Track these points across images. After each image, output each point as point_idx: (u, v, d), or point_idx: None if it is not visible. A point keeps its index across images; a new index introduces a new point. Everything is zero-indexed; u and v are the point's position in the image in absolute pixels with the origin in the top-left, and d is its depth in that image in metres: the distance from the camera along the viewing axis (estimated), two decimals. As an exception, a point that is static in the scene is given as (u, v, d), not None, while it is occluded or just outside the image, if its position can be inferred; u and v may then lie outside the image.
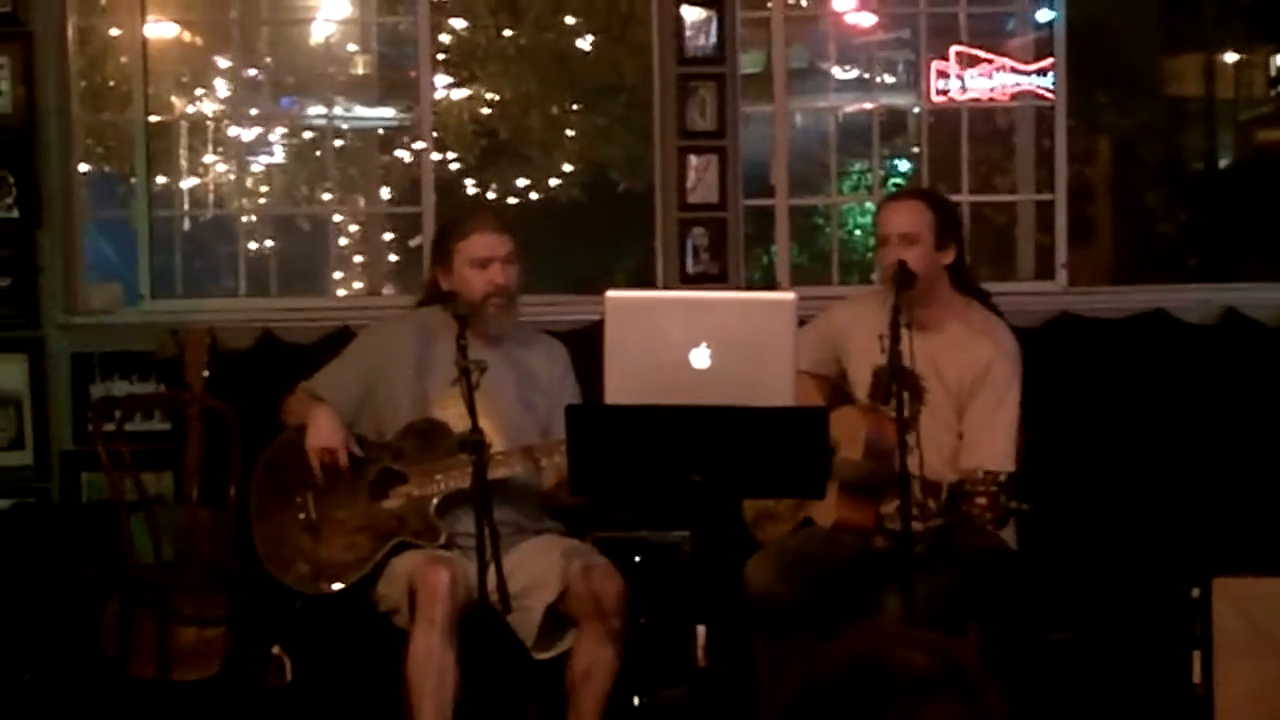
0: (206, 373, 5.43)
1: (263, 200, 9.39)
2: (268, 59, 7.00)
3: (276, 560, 4.68)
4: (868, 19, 7.66)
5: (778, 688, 4.47)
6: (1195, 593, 4.81)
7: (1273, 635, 4.62)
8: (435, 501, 4.62)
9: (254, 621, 5.07)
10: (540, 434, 4.72)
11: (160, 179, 6.69)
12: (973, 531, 4.36)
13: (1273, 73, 9.29)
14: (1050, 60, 6.48)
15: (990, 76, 6.62)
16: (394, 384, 4.76)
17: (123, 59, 6.88)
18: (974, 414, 4.66)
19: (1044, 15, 6.73)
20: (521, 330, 4.85)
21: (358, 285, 9.31)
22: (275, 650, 4.86)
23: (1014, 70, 6.62)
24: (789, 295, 4.18)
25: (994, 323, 4.80)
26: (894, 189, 8.47)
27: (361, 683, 4.72)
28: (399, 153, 9.64)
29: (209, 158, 8.99)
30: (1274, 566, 5.21)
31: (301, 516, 4.68)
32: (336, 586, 4.62)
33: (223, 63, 7.72)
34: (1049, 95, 6.50)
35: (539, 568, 4.53)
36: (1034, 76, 6.56)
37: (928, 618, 4.15)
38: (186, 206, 8.26)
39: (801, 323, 4.14)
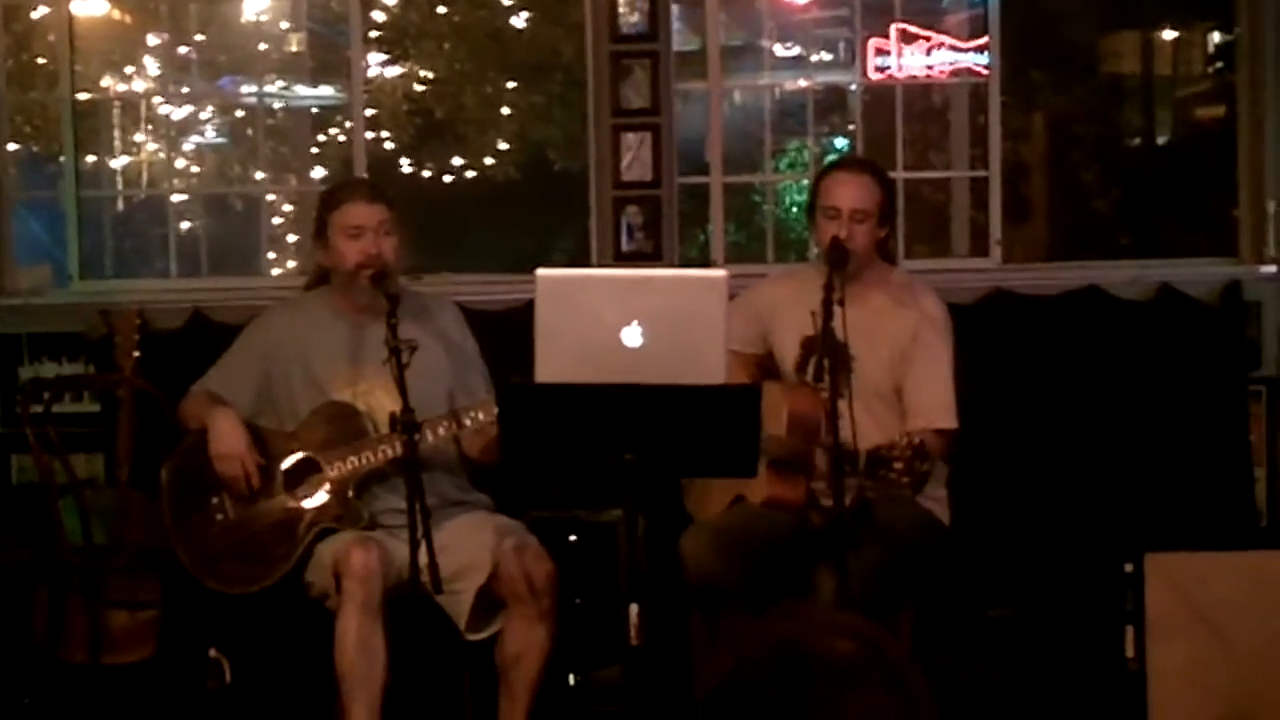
0: (137, 354, 5.37)
1: (194, 180, 9.31)
2: (198, 37, 6.92)
3: (201, 565, 4.64)
4: (804, -5, 7.64)
5: (713, 666, 4.46)
6: (1128, 568, 4.83)
7: (1204, 610, 4.64)
8: (353, 484, 4.59)
9: (187, 604, 5.02)
10: (459, 392, 4.69)
11: (90, 158, 6.62)
12: (899, 503, 4.38)
13: (1210, 50, 9.31)
14: (987, 38, 6.48)
15: (928, 54, 6.61)
16: (288, 371, 4.71)
17: (50, 37, 6.80)
18: (912, 378, 4.69)
19: (980, -8, 6.73)
20: (414, 298, 4.76)
21: (291, 265, 9.20)
22: (212, 653, 4.81)
23: (951, 48, 6.62)
24: (720, 272, 4.16)
25: (917, 288, 4.83)
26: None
27: (302, 671, 4.68)
28: (332, 131, 9.57)
29: (139, 137, 8.89)
30: (1206, 542, 5.23)
31: (220, 518, 4.65)
32: (265, 583, 4.58)
33: (153, 40, 7.63)
34: (986, 72, 6.50)
35: (470, 548, 4.50)
36: (971, 54, 6.56)
37: (862, 595, 4.16)
38: (119, 186, 8.19)
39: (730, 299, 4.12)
